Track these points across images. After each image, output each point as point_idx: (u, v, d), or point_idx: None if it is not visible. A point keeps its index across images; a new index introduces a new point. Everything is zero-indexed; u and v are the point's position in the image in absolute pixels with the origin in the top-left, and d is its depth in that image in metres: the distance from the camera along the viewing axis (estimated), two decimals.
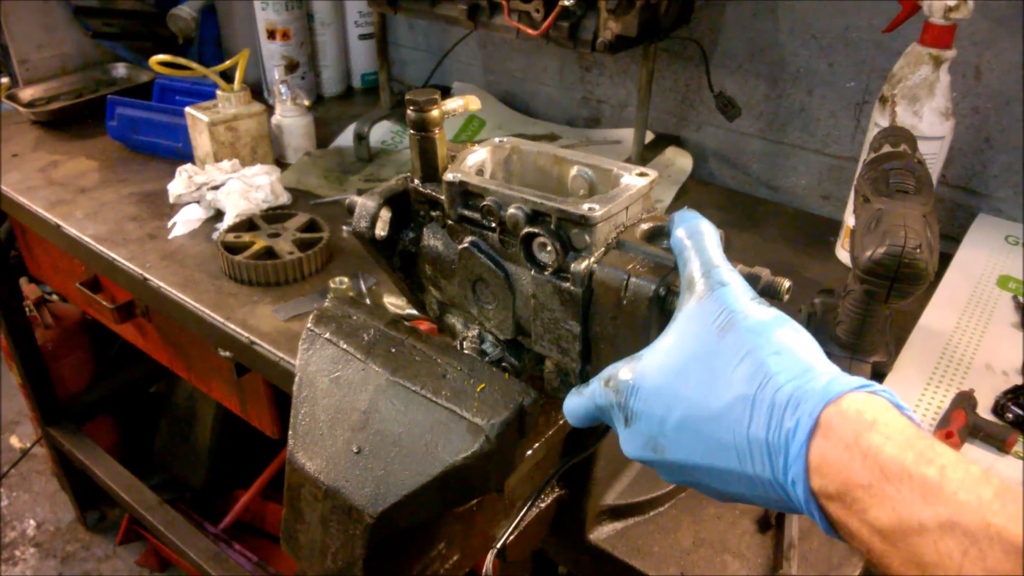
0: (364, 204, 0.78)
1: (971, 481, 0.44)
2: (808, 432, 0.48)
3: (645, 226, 0.66)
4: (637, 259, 0.63)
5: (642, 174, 0.68)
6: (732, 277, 0.56)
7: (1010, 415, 0.98)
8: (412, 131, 0.72)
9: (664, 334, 0.57)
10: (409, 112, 0.70)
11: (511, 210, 0.66)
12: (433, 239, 0.78)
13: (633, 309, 0.61)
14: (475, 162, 0.74)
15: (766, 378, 0.51)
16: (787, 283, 0.59)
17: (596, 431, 0.79)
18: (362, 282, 1.30)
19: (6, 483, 2.84)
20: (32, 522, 2.72)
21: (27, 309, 2.32)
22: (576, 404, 0.63)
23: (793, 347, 0.52)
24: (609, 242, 0.65)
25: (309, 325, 0.80)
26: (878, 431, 0.47)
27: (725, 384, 0.52)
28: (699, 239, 0.59)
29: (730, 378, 0.52)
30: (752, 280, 0.59)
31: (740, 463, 0.51)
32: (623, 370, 0.58)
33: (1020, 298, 1.19)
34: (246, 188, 1.49)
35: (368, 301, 1.25)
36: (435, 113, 0.70)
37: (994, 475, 0.44)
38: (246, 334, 1.20)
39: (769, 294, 0.59)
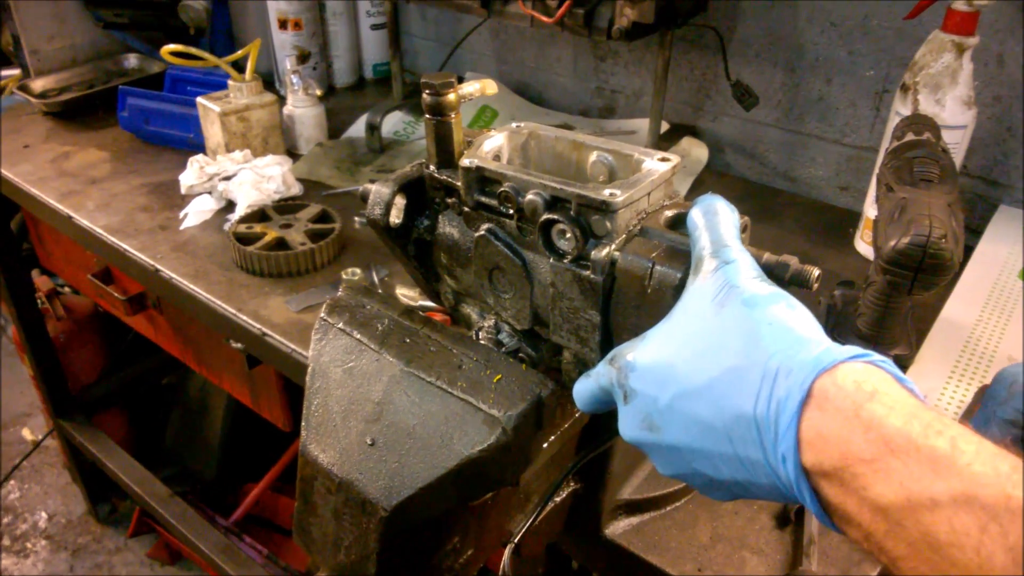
0: (378, 191, 0.76)
1: (986, 454, 0.41)
2: (799, 403, 0.45)
3: (668, 213, 0.64)
4: (661, 247, 0.61)
5: (664, 159, 0.66)
6: (740, 256, 0.55)
7: None
8: (428, 116, 0.70)
9: (670, 314, 0.56)
10: (425, 96, 0.69)
11: (530, 196, 0.65)
12: (449, 226, 0.76)
13: (658, 297, 0.60)
14: (492, 148, 0.73)
15: (756, 349, 0.48)
16: (816, 271, 0.57)
17: (612, 424, 0.78)
18: (374, 273, 1.28)
19: (18, 475, 2.85)
20: (44, 514, 2.73)
21: (39, 301, 2.31)
22: (583, 387, 0.62)
23: (788, 320, 0.50)
24: (631, 229, 0.63)
25: (322, 314, 0.79)
26: (880, 401, 0.44)
27: (715, 358, 0.50)
28: (712, 219, 0.57)
29: (720, 352, 0.50)
30: (781, 268, 0.57)
31: (730, 442, 0.49)
32: (627, 349, 0.57)
33: None
34: (258, 179, 1.48)
35: (380, 292, 1.24)
36: (451, 97, 0.69)
37: (1008, 450, 0.41)
38: (258, 325, 1.19)
39: (798, 283, 0.57)
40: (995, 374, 0.86)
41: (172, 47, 1.56)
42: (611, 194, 0.61)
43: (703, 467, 0.52)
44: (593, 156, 0.72)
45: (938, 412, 0.44)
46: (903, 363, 1.04)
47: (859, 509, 0.44)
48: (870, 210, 1.31)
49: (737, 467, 0.50)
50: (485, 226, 0.71)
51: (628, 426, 0.57)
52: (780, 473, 0.47)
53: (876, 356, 0.47)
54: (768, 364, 0.48)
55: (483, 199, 0.70)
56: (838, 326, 1.08)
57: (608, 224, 0.62)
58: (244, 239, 1.33)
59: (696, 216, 0.58)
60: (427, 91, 0.68)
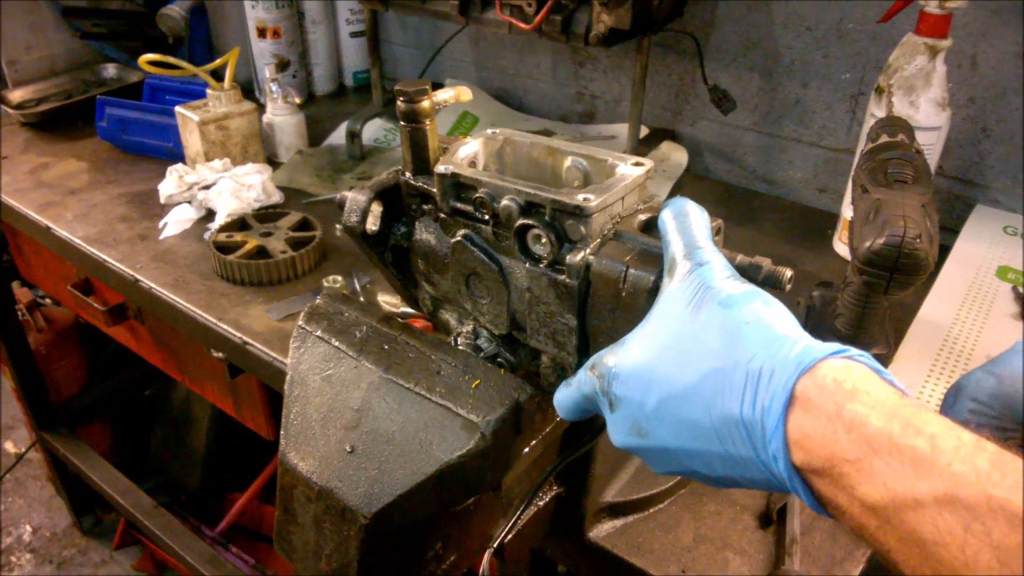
0: (354, 198, 0.76)
1: (965, 451, 0.41)
2: (783, 405, 0.46)
3: (642, 216, 0.65)
4: (635, 250, 0.62)
5: (637, 163, 0.67)
6: (713, 257, 0.55)
7: None
8: (403, 123, 0.70)
9: (646, 318, 0.56)
10: (399, 103, 0.69)
11: (505, 202, 0.65)
12: (425, 233, 0.77)
13: (632, 301, 0.60)
14: (467, 154, 0.73)
15: (737, 350, 0.49)
16: (789, 272, 0.58)
17: (594, 427, 0.78)
18: (356, 280, 1.28)
19: (1, 489, 2.82)
20: (28, 527, 2.71)
21: (20, 313, 2.30)
22: (564, 395, 0.62)
23: (765, 318, 0.50)
24: (605, 233, 0.64)
25: (300, 322, 0.79)
26: (860, 401, 0.44)
27: (697, 360, 0.50)
28: (684, 220, 0.58)
29: (701, 354, 0.50)
30: (754, 270, 0.58)
31: (720, 442, 0.50)
32: (607, 356, 0.57)
33: (1020, 288, 1.18)
34: (237, 187, 1.48)
35: (362, 299, 1.24)
36: (426, 104, 0.69)
37: (987, 442, 0.42)
38: (239, 334, 1.19)
39: (771, 284, 0.58)
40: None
41: (150, 56, 1.55)
42: (585, 199, 0.61)
43: (696, 466, 0.53)
44: (568, 161, 0.72)
45: (918, 406, 0.44)
46: (882, 362, 1.05)
47: (850, 504, 0.44)
48: (847, 211, 1.32)
49: (730, 464, 0.50)
50: (461, 232, 0.72)
51: (618, 433, 0.57)
52: (773, 470, 0.47)
53: (854, 351, 0.48)
54: (750, 365, 0.48)
55: (459, 205, 0.71)
56: (817, 326, 1.08)
57: (582, 228, 0.62)
58: (224, 248, 1.32)
59: (667, 218, 0.58)
60: (401, 98, 0.69)
